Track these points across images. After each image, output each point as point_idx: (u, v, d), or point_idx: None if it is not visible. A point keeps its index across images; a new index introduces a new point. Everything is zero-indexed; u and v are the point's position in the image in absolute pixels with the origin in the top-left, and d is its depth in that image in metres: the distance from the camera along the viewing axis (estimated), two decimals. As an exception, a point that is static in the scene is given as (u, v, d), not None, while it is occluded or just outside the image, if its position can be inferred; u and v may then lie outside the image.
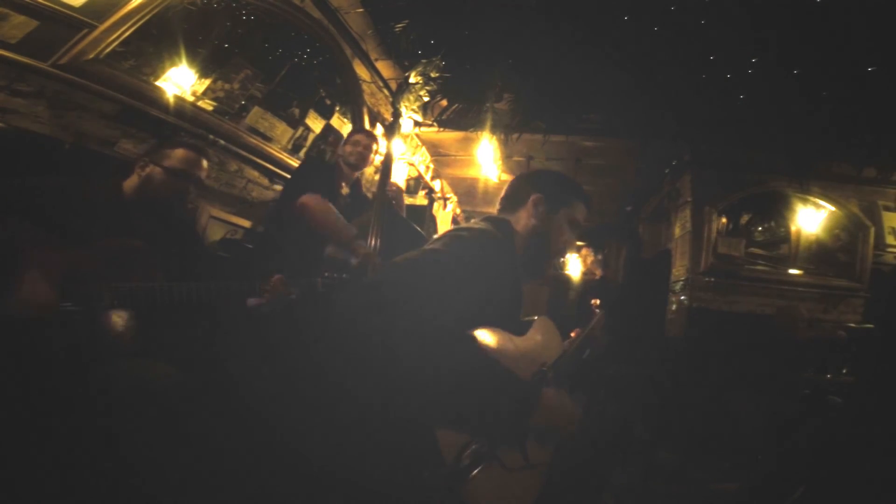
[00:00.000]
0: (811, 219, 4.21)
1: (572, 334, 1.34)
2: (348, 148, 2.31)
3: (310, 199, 1.97)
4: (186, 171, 1.45)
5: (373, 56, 3.60)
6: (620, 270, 3.17)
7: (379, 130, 3.76)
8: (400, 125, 2.63)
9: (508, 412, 0.89)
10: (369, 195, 2.60)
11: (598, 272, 3.52)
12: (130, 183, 1.43)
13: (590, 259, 3.46)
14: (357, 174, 2.37)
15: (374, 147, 2.39)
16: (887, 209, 4.20)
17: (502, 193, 1.28)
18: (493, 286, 1.04)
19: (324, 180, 2.15)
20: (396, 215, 2.24)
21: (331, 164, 2.42)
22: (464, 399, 0.87)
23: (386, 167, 2.38)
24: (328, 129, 3.37)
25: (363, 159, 2.32)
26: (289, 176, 2.84)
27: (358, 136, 2.37)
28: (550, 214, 1.19)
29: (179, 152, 1.45)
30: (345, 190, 2.29)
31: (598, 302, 1.57)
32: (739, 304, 4.08)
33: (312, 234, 1.94)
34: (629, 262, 3.16)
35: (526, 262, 1.21)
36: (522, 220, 1.19)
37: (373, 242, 1.98)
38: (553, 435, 1.02)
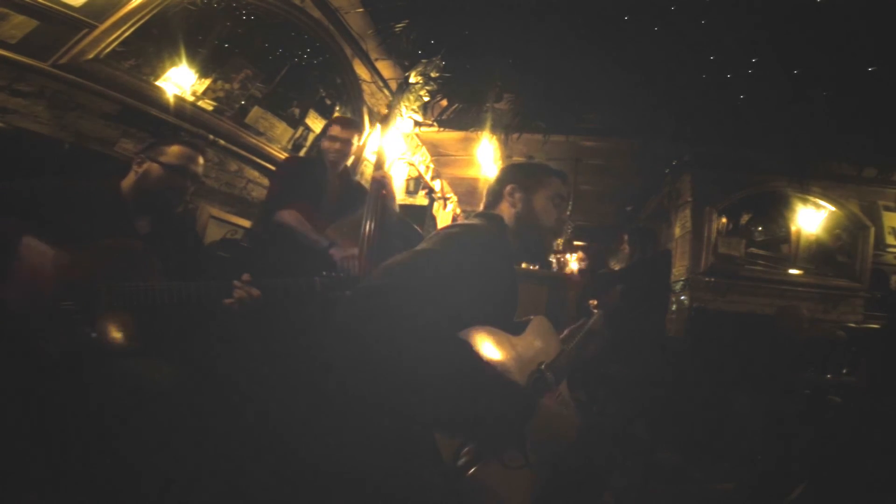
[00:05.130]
0: (811, 219, 4.21)
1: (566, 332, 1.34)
2: (325, 143, 2.11)
3: (284, 216, 1.89)
4: (183, 166, 1.45)
5: (373, 56, 3.61)
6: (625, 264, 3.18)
7: (378, 130, 3.76)
8: (394, 115, 2.54)
9: (506, 422, 0.89)
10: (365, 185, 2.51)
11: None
12: (128, 181, 1.43)
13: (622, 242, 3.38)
14: (342, 166, 2.20)
15: (355, 137, 2.17)
16: (887, 209, 4.21)
17: (483, 199, 1.33)
18: (489, 282, 1.04)
19: (305, 183, 2.05)
20: (389, 211, 2.16)
21: (315, 160, 2.29)
22: (462, 405, 0.87)
23: (378, 165, 2.32)
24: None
25: (343, 155, 2.12)
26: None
27: (334, 130, 2.11)
28: (528, 198, 1.23)
29: (175, 148, 1.45)
30: (332, 184, 2.14)
31: (595, 302, 1.56)
32: (739, 304, 4.08)
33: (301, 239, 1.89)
34: (638, 258, 3.16)
35: (525, 249, 1.25)
36: (506, 212, 1.24)
37: (367, 230, 1.93)
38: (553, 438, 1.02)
